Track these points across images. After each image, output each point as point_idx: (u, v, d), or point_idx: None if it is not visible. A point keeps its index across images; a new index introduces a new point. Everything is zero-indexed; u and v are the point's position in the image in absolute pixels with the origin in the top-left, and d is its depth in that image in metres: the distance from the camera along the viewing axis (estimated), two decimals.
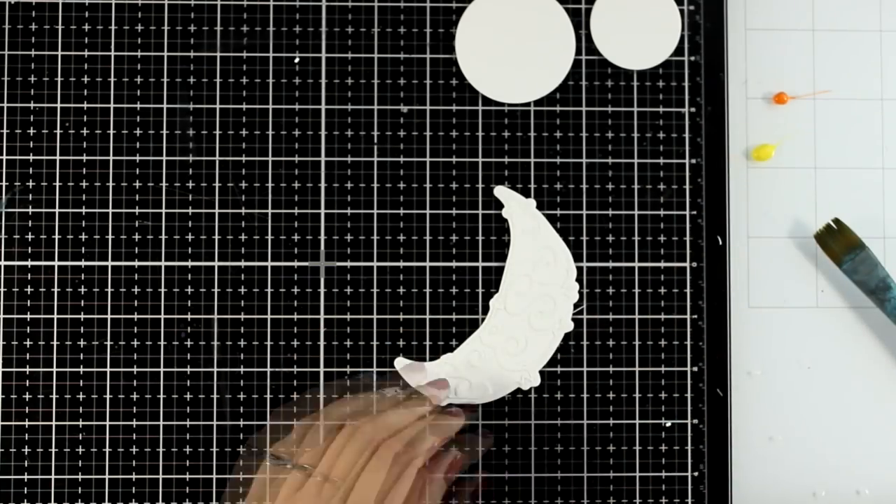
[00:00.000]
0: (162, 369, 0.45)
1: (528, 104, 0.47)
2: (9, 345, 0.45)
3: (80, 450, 0.45)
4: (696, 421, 0.46)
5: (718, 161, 0.47)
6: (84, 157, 0.46)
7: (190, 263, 0.46)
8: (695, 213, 0.46)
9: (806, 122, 0.48)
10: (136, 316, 0.45)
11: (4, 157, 0.46)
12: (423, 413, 0.42)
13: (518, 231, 0.46)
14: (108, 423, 0.45)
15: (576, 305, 0.45)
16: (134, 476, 0.45)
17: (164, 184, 0.46)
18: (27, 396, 0.45)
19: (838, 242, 0.46)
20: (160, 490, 0.45)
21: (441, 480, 0.42)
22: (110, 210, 0.46)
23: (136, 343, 0.45)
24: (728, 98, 0.47)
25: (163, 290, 0.45)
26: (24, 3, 0.46)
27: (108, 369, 0.45)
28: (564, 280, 0.45)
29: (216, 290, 0.45)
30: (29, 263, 0.45)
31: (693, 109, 0.47)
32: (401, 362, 0.45)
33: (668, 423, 0.46)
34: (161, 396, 0.45)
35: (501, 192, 0.46)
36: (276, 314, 0.45)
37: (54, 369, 0.45)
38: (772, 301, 0.47)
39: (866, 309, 0.47)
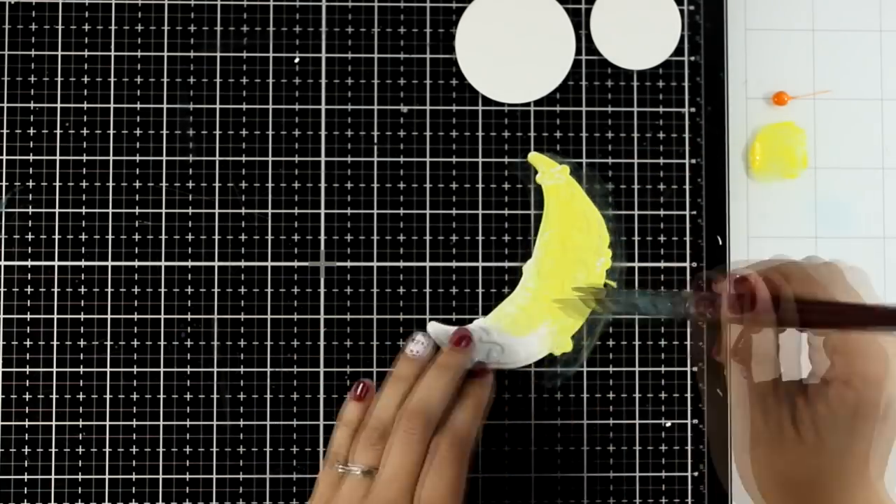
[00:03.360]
0: (162, 369, 0.45)
1: (528, 104, 0.47)
2: (9, 345, 0.45)
3: (80, 450, 0.45)
4: (696, 421, 0.46)
5: (718, 161, 0.47)
6: (84, 157, 0.46)
7: (190, 263, 0.46)
8: (695, 213, 0.46)
9: (806, 122, 0.48)
10: (136, 316, 0.45)
11: (4, 157, 0.46)
12: (457, 384, 0.42)
13: (552, 197, 0.46)
14: (108, 423, 0.45)
15: (611, 273, 0.45)
16: (134, 476, 0.45)
17: (164, 184, 0.46)
18: (27, 396, 0.45)
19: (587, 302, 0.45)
20: (160, 490, 0.45)
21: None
22: (110, 210, 0.46)
23: (136, 343, 0.45)
24: (728, 98, 0.47)
25: (163, 290, 0.45)
26: (24, 3, 0.46)
27: (108, 369, 0.45)
28: (598, 247, 0.45)
29: (216, 290, 0.45)
30: (29, 263, 0.45)
31: (693, 109, 0.47)
32: (434, 326, 0.45)
33: (668, 423, 0.46)
34: (161, 396, 0.45)
35: (535, 157, 0.46)
36: (276, 314, 0.45)
37: (54, 369, 0.45)
38: None
39: None
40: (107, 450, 0.45)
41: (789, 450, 0.35)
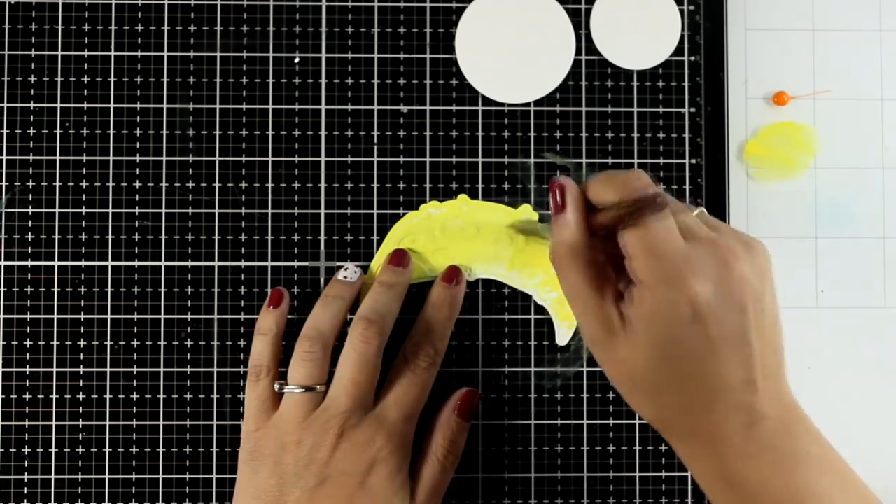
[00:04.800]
0: (162, 369, 0.45)
1: (528, 104, 0.47)
2: (9, 345, 0.45)
3: (80, 450, 0.45)
4: None
5: (718, 161, 0.47)
6: (84, 157, 0.46)
7: (190, 263, 0.46)
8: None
9: (806, 122, 0.48)
10: (136, 316, 0.45)
11: (4, 157, 0.46)
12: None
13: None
14: (108, 423, 0.45)
15: None
16: (134, 476, 0.45)
17: (164, 184, 0.46)
18: (27, 396, 0.45)
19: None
20: (160, 490, 0.45)
21: (455, 422, 0.43)
22: (110, 210, 0.46)
23: (136, 343, 0.45)
24: (728, 98, 0.47)
25: (163, 290, 0.45)
26: (24, 3, 0.46)
27: (108, 369, 0.45)
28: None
29: (216, 290, 0.45)
30: (29, 263, 0.45)
31: (693, 109, 0.47)
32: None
33: None
34: (161, 396, 0.45)
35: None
36: None
37: (54, 369, 0.45)
38: None
39: (866, 309, 0.47)
40: (107, 450, 0.45)
41: (622, 348, 0.34)
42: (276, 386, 0.41)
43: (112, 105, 0.46)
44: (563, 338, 0.45)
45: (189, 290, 0.45)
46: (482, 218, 0.45)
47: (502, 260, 0.45)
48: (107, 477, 0.45)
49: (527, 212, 0.46)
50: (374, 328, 0.41)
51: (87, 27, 0.46)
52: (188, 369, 0.45)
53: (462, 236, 0.45)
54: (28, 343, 0.45)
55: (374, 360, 0.41)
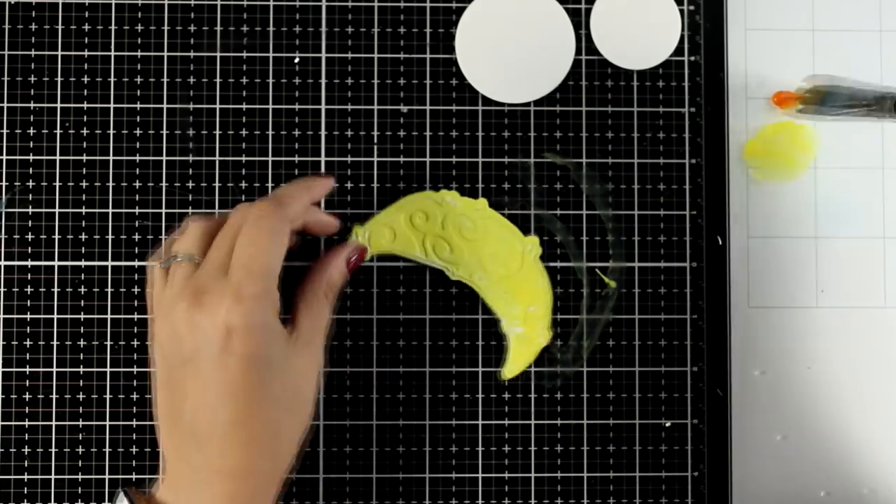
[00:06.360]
0: None
1: (528, 104, 0.47)
2: (9, 345, 0.45)
3: (80, 450, 0.45)
4: (696, 421, 0.46)
5: (718, 161, 0.47)
6: (84, 157, 0.46)
7: None
8: (695, 213, 0.46)
9: (806, 122, 0.48)
10: (136, 316, 0.45)
11: (4, 157, 0.46)
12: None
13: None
14: (108, 423, 0.45)
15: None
16: (134, 476, 0.45)
17: (164, 184, 0.46)
18: (27, 396, 0.45)
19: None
20: None
21: (343, 269, 0.43)
22: (110, 210, 0.46)
23: (136, 343, 0.45)
24: (728, 98, 0.47)
25: None
26: (24, 3, 0.46)
27: (108, 369, 0.45)
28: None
29: None
30: (29, 263, 0.45)
31: (693, 109, 0.47)
32: None
33: (668, 423, 0.46)
34: None
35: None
36: None
37: (54, 369, 0.45)
38: (772, 301, 0.47)
39: (866, 309, 0.47)
40: (107, 450, 0.45)
41: None
42: (161, 264, 0.40)
43: (112, 105, 0.46)
44: (508, 373, 0.45)
45: None
46: (491, 228, 0.45)
47: (490, 275, 0.45)
48: (107, 477, 0.45)
49: (533, 244, 0.45)
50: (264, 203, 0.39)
51: (87, 27, 0.46)
52: None
53: (463, 236, 0.45)
54: (28, 343, 0.45)
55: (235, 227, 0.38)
